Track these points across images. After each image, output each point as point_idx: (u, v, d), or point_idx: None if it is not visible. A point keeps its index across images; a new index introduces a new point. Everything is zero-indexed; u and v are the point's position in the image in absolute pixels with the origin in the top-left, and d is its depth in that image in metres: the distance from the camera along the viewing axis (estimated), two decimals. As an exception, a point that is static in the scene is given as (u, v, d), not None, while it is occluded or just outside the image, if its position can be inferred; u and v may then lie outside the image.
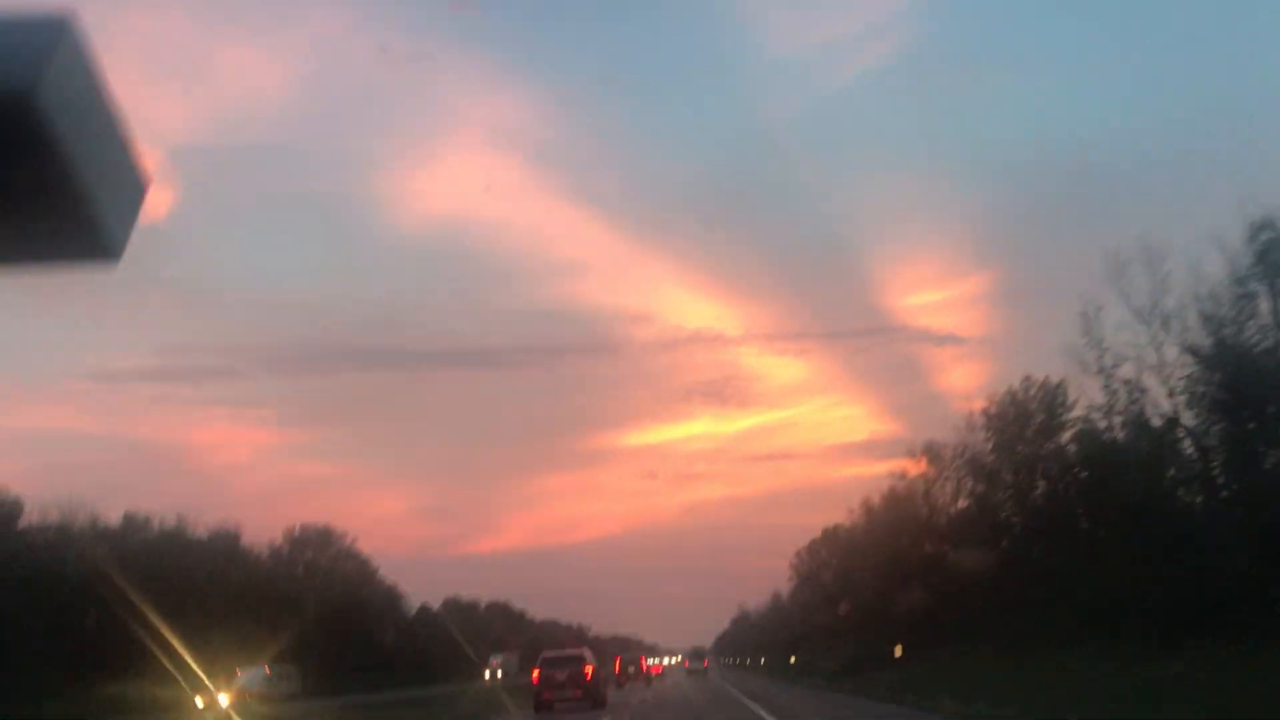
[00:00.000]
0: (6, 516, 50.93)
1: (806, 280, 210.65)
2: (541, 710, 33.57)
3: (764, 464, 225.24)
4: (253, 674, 46.28)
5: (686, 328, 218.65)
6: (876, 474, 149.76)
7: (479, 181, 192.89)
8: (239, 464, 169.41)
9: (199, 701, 29.72)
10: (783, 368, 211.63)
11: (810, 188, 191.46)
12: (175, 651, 27.51)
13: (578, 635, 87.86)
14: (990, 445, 51.89)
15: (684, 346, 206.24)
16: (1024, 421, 49.51)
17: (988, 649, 41.35)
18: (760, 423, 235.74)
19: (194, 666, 28.13)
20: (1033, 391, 49.36)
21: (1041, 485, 49.15)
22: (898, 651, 50.27)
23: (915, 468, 60.92)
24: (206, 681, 29.21)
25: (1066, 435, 47.67)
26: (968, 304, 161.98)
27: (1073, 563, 40.24)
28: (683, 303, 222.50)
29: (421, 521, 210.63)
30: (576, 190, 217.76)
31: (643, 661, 74.36)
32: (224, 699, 31.06)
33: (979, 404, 53.48)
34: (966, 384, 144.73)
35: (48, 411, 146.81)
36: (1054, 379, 48.05)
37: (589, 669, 34.70)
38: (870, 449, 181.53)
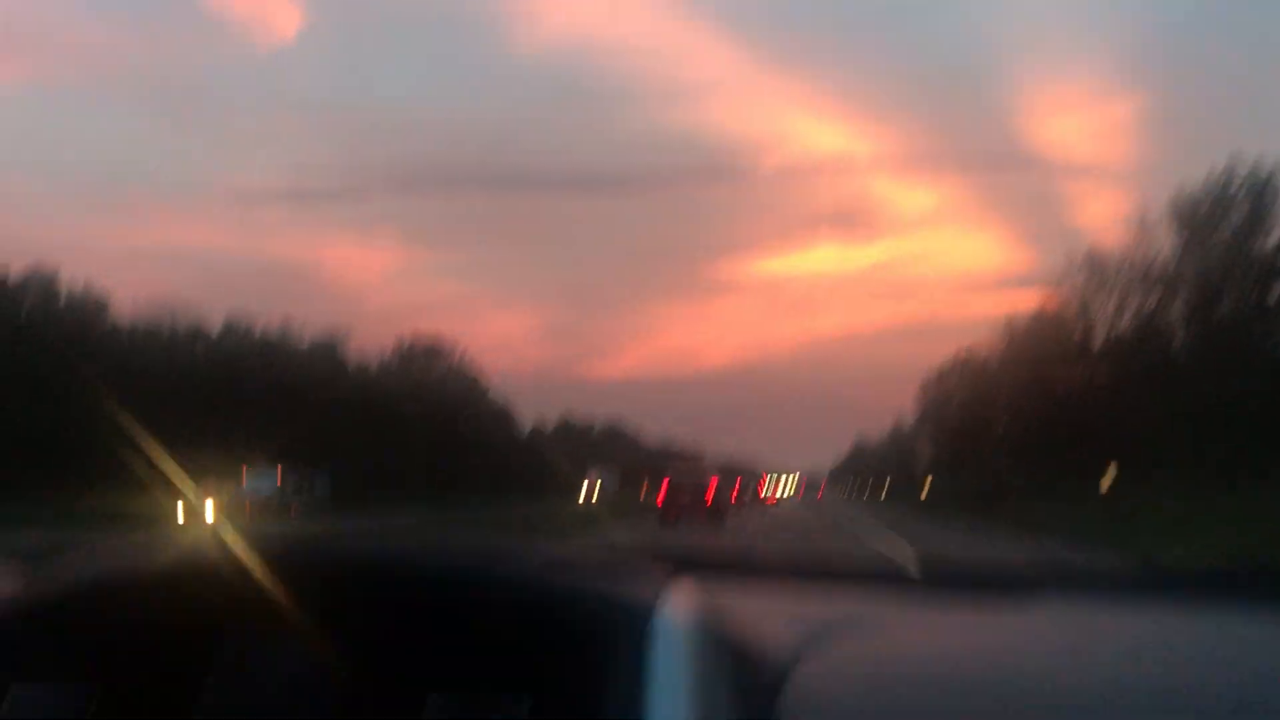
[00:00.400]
0: (94, 310, 48.85)
1: (940, 103, 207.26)
2: (666, 526, 34.01)
3: (890, 296, 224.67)
4: (260, 480, 40.69)
5: (813, 154, 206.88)
6: (1008, 308, 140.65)
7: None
8: (364, 283, 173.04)
9: (180, 514, 25.20)
10: (914, 195, 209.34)
11: (948, 3, 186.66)
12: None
13: (693, 459, 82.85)
14: (1172, 250, 43.96)
15: (812, 173, 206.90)
16: (1220, 219, 41.55)
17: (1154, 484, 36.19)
18: (888, 254, 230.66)
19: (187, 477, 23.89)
20: (1236, 183, 41.16)
21: (1231, 299, 41.67)
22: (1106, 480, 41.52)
23: (1064, 289, 52.85)
24: (190, 488, 24.70)
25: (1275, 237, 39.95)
26: (1112, 131, 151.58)
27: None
28: (810, 128, 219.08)
29: (541, 343, 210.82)
30: (701, 8, 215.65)
31: (760, 486, 72.15)
32: (210, 509, 26.12)
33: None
34: (1108, 219, 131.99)
35: (180, 229, 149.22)
36: (1263, 167, 40.01)
37: (711, 491, 36.40)
38: (1002, 283, 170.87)
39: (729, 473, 51.48)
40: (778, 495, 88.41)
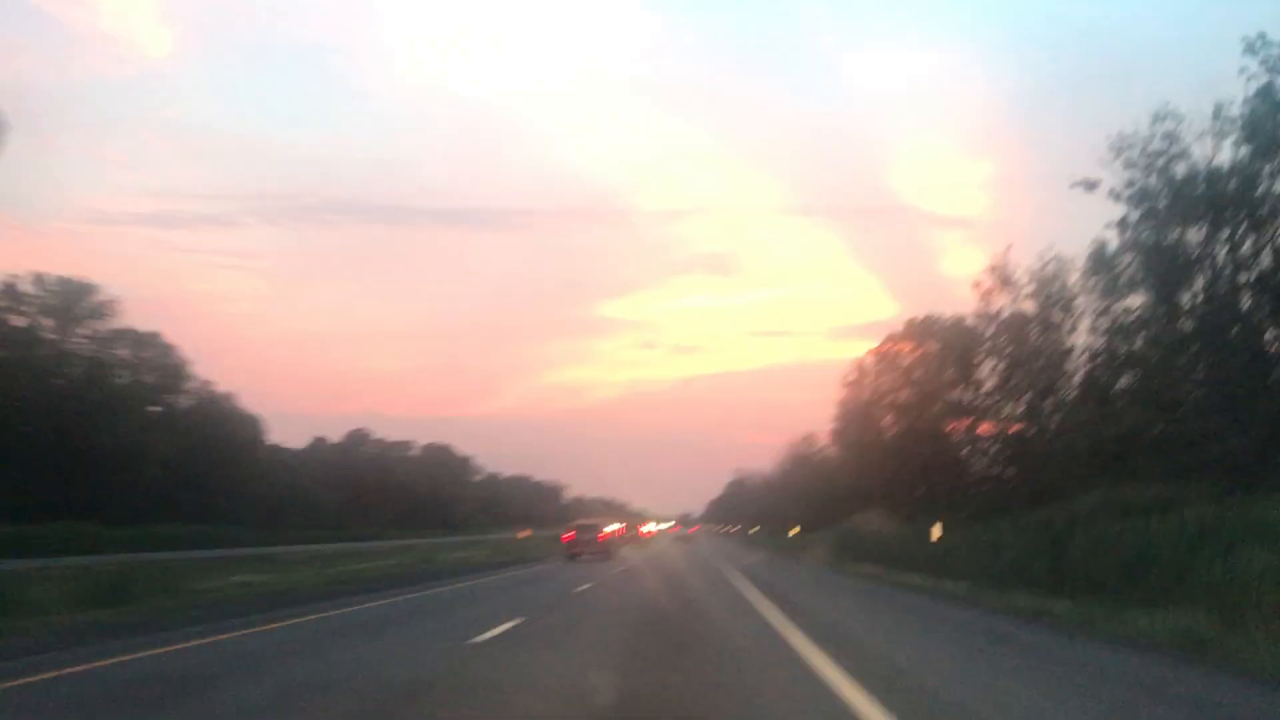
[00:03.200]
0: None
1: (820, 154, 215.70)
2: (571, 559, 47.73)
3: (763, 340, 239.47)
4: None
5: (693, 197, 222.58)
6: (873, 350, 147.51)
7: (488, 37, 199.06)
8: (233, 313, 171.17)
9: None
10: (788, 243, 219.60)
11: (827, 59, 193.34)
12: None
13: (590, 515, 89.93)
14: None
15: (690, 216, 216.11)
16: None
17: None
18: (762, 299, 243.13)
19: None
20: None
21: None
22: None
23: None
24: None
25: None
26: (981, 186, 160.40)
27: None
28: (691, 171, 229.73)
29: (416, 379, 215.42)
30: (588, 46, 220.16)
31: (639, 529, 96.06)
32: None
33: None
34: (974, 269, 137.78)
35: (40, 252, 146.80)
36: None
37: (603, 534, 52.68)
38: (871, 330, 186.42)
39: (618, 519, 69.52)
40: (655, 534, 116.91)
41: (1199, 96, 26.72)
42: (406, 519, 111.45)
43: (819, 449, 79.05)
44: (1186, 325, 25.90)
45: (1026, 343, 40.02)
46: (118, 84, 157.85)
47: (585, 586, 27.14)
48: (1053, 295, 38.10)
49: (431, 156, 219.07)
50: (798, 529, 73.75)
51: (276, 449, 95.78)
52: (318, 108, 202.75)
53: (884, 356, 57.96)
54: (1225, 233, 24.20)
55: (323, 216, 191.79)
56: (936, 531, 34.10)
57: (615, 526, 68.12)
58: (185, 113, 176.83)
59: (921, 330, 54.31)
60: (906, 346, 55.43)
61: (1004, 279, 40.39)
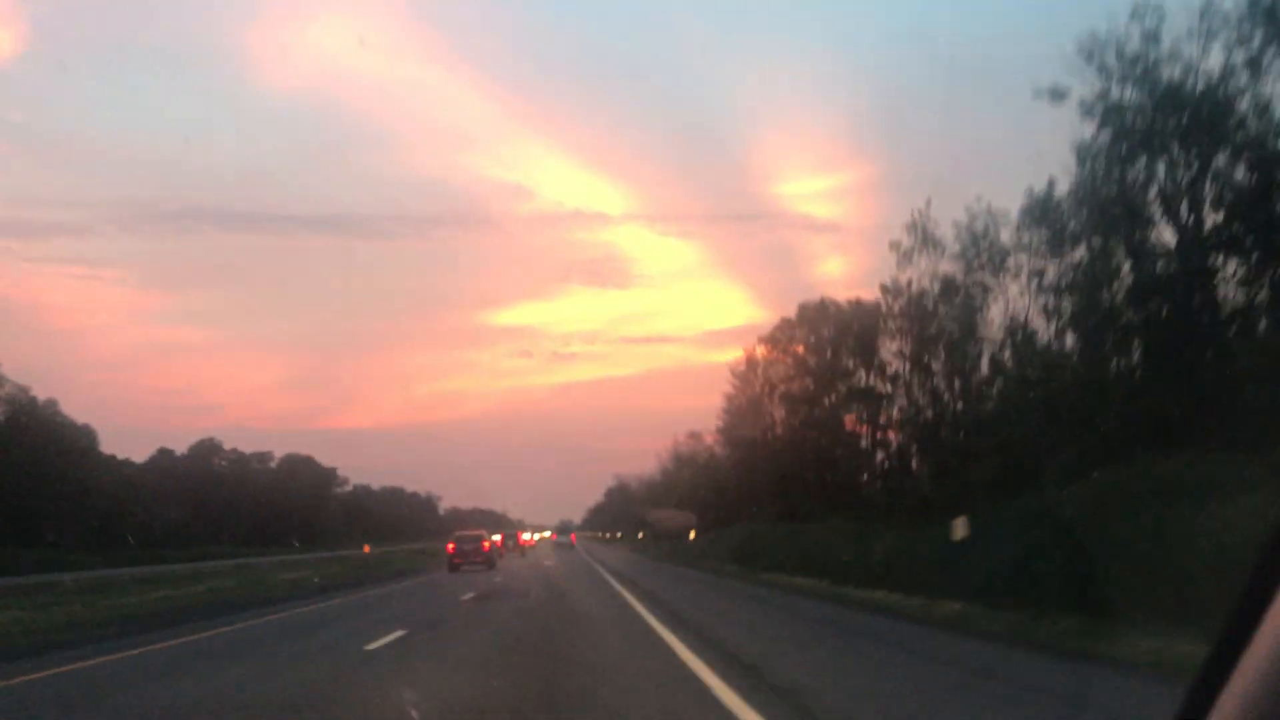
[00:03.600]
0: None
1: (692, 161, 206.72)
2: (454, 569, 47.81)
3: (639, 346, 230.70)
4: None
5: (566, 205, 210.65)
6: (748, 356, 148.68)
7: (353, 34, 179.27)
8: (90, 326, 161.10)
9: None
10: (662, 250, 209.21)
11: (697, 66, 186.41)
12: None
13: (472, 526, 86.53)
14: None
15: (564, 223, 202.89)
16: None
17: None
18: (638, 305, 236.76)
19: None
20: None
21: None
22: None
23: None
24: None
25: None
26: (849, 193, 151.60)
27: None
28: (564, 179, 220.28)
29: (285, 391, 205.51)
30: (458, 52, 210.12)
31: (519, 537, 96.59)
32: None
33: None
34: (845, 273, 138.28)
35: None
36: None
37: (486, 544, 51.67)
38: (746, 335, 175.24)
39: (498, 529, 73.82)
40: (535, 541, 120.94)
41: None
42: (262, 534, 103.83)
43: (705, 447, 75.77)
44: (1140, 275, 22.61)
45: (941, 315, 36.62)
46: None
47: (468, 595, 26.20)
48: (982, 254, 34.07)
49: (297, 162, 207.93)
50: (693, 533, 69.82)
51: (114, 461, 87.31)
52: (177, 111, 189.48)
53: (775, 344, 54.56)
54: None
55: (184, 224, 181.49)
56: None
57: (496, 537, 67.02)
58: (34, 116, 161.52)
59: (816, 315, 51.13)
60: (800, 333, 52.20)
61: (925, 237, 36.63)
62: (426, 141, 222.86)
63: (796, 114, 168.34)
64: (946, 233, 35.83)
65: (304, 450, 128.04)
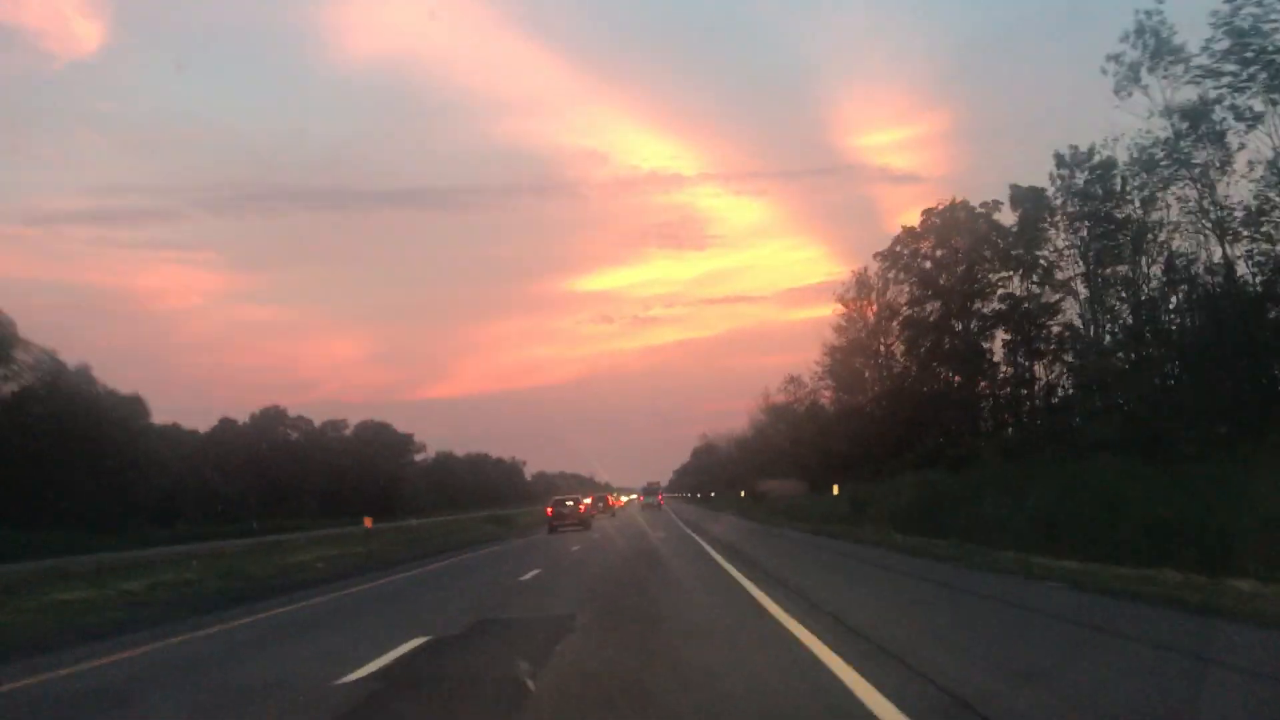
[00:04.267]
0: None
1: (765, 118, 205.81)
2: (552, 531, 49.32)
3: (720, 307, 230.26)
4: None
5: (642, 168, 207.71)
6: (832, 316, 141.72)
7: (424, 7, 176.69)
8: (185, 309, 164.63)
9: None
10: (739, 209, 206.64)
11: (768, 21, 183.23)
12: None
13: (566, 490, 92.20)
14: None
15: (639, 187, 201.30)
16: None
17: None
18: (716, 266, 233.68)
19: None
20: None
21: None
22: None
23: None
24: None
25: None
26: (929, 142, 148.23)
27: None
28: (638, 142, 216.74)
29: (375, 364, 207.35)
30: (528, 21, 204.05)
31: (608, 499, 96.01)
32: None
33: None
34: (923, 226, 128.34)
35: None
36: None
37: (583, 506, 55.07)
38: (826, 291, 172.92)
39: (597, 491, 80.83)
40: (624, 503, 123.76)
41: None
42: (335, 505, 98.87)
43: (805, 394, 66.84)
44: None
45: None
46: (47, 79, 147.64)
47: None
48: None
49: (375, 138, 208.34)
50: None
51: (171, 431, 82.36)
52: (256, 94, 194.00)
53: (894, 262, 45.60)
54: None
55: (269, 205, 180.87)
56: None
57: (587, 500, 67.72)
58: (120, 106, 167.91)
59: (946, 222, 42.20)
60: (926, 245, 43.32)
61: (1160, 47, 27.04)
62: (500, 111, 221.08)
63: (871, 65, 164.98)
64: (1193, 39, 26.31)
65: (390, 420, 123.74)
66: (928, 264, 42.87)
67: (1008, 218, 38.37)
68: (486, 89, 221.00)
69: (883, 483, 37.22)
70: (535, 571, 21.01)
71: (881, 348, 48.74)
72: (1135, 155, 27.90)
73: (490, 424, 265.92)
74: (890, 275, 45.35)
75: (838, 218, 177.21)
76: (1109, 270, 31.72)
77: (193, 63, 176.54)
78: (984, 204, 40.56)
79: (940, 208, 42.18)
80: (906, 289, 44.40)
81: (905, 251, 43.88)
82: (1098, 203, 30.60)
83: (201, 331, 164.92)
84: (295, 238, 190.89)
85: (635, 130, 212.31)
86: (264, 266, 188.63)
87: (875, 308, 48.30)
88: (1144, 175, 28.15)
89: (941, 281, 41.63)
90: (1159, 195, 28.33)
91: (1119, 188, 29.82)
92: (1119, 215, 30.17)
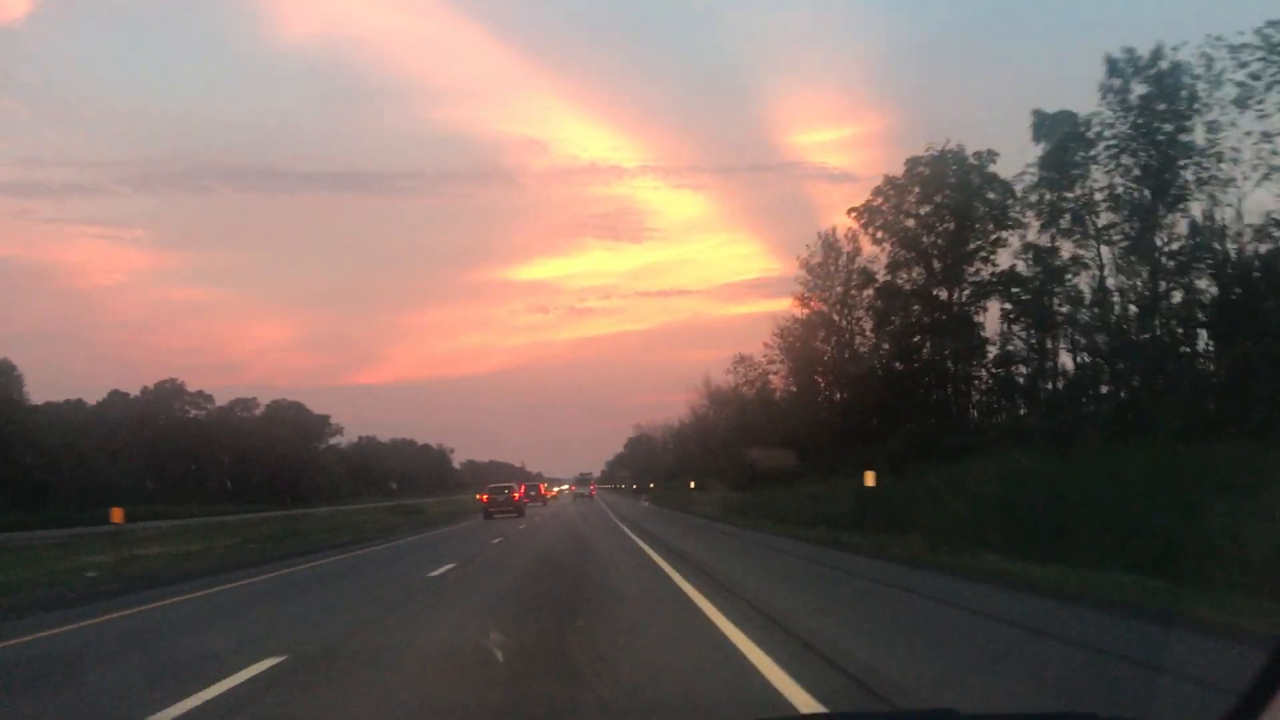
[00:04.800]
0: None
1: (706, 112, 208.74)
2: (488, 517, 50.69)
3: (655, 300, 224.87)
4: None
5: (582, 158, 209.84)
6: (768, 312, 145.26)
7: None
8: (108, 286, 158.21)
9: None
10: (678, 202, 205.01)
11: (712, 17, 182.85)
12: None
13: (500, 479, 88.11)
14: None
15: (578, 177, 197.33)
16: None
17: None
18: (653, 259, 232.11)
19: None
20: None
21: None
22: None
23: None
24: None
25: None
26: (866, 142, 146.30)
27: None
28: (579, 132, 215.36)
29: (305, 348, 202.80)
30: (471, 6, 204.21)
31: (541, 488, 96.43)
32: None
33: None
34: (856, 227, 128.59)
35: None
36: None
37: (516, 495, 56.66)
38: (761, 287, 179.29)
39: (528, 481, 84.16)
40: (556, 493, 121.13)
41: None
42: (243, 490, 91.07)
43: (756, 375, 60.47)
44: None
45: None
46: None
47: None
48: None
49: (311, 119, 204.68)
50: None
51: (54, 408, 74.07)
52: (190, 70, 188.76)
53: (873, 218, 39.45)
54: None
55: (199, 183, 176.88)
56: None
57: (520, 489, 67.16)
58: (46, 76, 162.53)
59: (935, 172, 36.34)
60: (910, 200, 37.41)
61: None
62: (440, 97, 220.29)
63: (811, 64, 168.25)
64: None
65: (319, 408, 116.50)
66: (910, 222, 37.08)
67: (1008, 167, 33.26)
68: (426, 73, 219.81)
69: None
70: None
71: (845, 323, 43.06)
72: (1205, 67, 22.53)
73: (421, 412, 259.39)
74: (870, 233, 39.19)
75: (775, 214, 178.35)
76: (1169, 216, 26.03)
77: (125, 35, 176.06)
78: (977, 153, 35.00)
79: (928, 154, 36.36)
80: (887, 250, 38.52)
81: (887, 206, 37.90)
82: (1157, 121, 24.88)
83: (125, 310, 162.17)
84: (225, 218, 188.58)
85: (576, 120, 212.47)
86: (192, 246, 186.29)
87: (842, 274, 42.60)
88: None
89: (925, 244, 35.93)
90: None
91: (1183, 105, 24.27)
92: (1183, 141, 24.59)
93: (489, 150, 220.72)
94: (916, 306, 36.37)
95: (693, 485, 63.35)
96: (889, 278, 38.24)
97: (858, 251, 41.20)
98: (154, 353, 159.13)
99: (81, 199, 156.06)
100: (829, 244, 42.84)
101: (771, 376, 55.74)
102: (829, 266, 43.17)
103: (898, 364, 38.16)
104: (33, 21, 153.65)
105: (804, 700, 6.20)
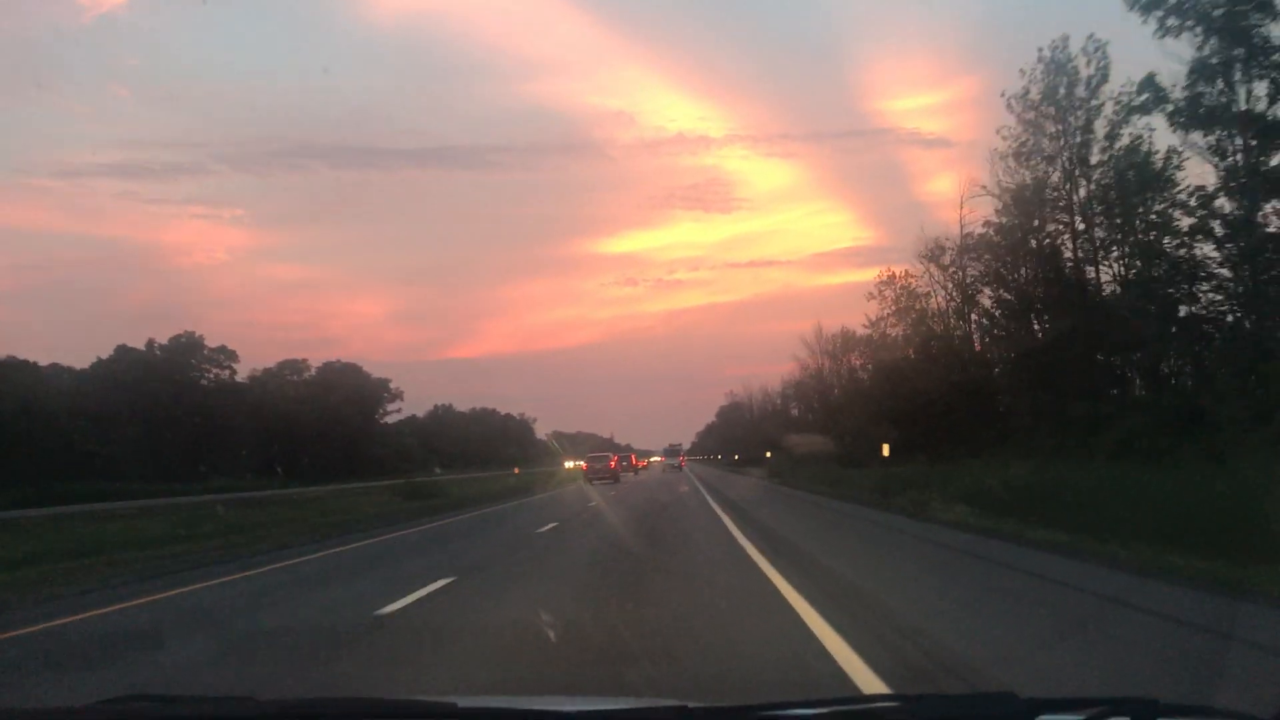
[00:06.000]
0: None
1: (794, 80, 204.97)
2: (588, 481, 59.21)
3: (745, 271, 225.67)
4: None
5: (669, 129, 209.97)
6: (859, 282, 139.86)
7: None
8: (211, 264, 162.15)
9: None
10: (767, 172, 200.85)
11: None
12: None
13: (598, 448, 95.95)
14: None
15: (666, 148, 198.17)
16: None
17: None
18: (743, 229, 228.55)
19: None
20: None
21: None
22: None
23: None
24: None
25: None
26: (959, 106, 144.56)
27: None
28: (666, 103, 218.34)
29: (401, 322, 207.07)
30: None
31: (633, 459, 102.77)
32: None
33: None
34: (957, 190, 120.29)
35: (5, 210, 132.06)
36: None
37: (613, 462, 66.68)
38: (854, 256, 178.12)
39: (618, 452, 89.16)
40: (648, 464, 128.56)
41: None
42: (288, 464, 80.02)
43: (884, 341, 46.25)
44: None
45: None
46: (75, 32, 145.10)
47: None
48: None
49: (403, 96, 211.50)
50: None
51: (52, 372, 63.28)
52: (283, 51, 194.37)
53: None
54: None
55: (295, 161, 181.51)
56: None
57: (615, 458, 73.72)
58: (148, 60, 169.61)
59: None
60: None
61: None
62: (528, 70, 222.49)
63: (903, 28, 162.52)
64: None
65: (416, 381, 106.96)
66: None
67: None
68: (514, 48, 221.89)
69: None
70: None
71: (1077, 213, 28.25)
72: None
73: (511, 385, 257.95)
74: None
75: (866, 182, 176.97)
76: None
77: (220, 17, 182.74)
78: None
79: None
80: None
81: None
82: None
83: (227, 288, 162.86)
84: (321, 195, 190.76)
85: (663, 91, 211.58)
86: (289, 223, 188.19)
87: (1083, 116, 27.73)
88: None
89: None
90: None
91: None
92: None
93: (578, 123, 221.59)
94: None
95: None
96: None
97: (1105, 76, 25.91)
98: (255, 329, 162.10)
99: (183, 180, 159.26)
100: (1059, 64, 27.64)
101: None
102: (1062, 102, 28.00)
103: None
104: (133, 7, 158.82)
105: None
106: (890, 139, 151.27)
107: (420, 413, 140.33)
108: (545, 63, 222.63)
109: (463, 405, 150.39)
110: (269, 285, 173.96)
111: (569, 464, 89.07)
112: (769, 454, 76.59)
